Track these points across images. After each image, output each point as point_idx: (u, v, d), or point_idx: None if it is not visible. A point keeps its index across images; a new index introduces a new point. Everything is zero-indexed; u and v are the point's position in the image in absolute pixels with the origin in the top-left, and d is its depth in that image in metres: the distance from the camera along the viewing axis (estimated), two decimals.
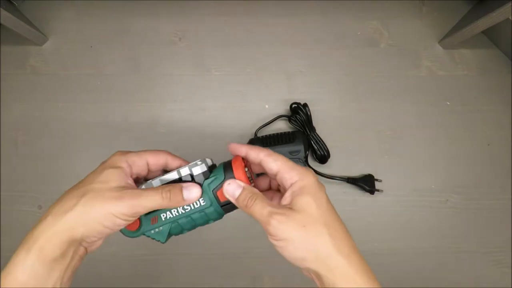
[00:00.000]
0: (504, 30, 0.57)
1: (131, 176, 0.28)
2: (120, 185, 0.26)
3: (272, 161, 0.27)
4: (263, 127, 0.55)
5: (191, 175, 0.28)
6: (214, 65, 0.60)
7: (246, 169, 0.29)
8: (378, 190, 0.53)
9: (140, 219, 0.29)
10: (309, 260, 0.24)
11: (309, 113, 0.53)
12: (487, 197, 0.55)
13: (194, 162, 0.29)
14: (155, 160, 0.29)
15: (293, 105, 0.55)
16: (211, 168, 0.30)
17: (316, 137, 0.53)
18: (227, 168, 0.28)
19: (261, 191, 0.29)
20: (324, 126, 0.55)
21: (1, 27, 0.57)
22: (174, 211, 0.28)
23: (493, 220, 0.54)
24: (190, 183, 0.28)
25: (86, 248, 0.27)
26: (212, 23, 0.62)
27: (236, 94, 0.58)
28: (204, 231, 0.53)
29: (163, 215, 0.29)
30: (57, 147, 0.55)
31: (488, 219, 0.54)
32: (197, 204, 0.28)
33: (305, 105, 0.54)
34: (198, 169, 0.28)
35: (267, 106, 0.58)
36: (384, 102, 0.58)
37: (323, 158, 0.53)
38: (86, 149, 0.55)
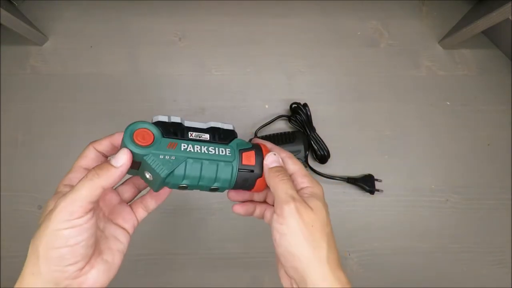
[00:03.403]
0: (504, 30, 0.57)
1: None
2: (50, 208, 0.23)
3: (291, 163, 0.29)
4: (263, 127, 0.55)
5: (221, 129, 0.29)
6: (214, 65, 0.60)
7: None
8: (378, 190, 0.53)
9: (154, 136, 0.25)
10: (300, 259, 0.24)
11: (309, 113, 0.53)
12: (487, 197, 0.55)
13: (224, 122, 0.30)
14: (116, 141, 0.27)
15: (293, 105, 0.55)
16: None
17: (316, 137, 0.53)
18: (256, 145, 0.30)
19: (258, 200, 0.32)
20: (324, 126, 0.55)
21: (1, 27, 0.57)
22: (197, 146, 0.26)
23: (493, 220, 0.54)
24: (119, 152, 0.24)
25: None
26: (212, 23, 0.62)
27: (236, 94, 0.58)
28: (204, 231, 0.53)
29: (184, 145, 0.26)
30: (57, 147, 0.55)
31: (488, 219, 0.54)
32: (222, 152, 0.27)
33: (305, 105, 0.54)
34: (230, 126, 0.30)
35: (267, 106, 0.58)
36: (384, 102, 0.58)
37: (323, 158, 0.53)
38: None
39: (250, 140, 0.54)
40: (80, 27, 0.61)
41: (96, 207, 0.24)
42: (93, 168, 0.23)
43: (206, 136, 0.28)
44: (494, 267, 0.53)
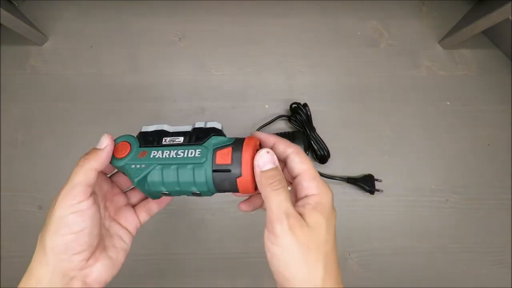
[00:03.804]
0: (504, 30, 0.57)
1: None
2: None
3: (298, 162, 0.25)
4: (263, 127, 0.55)
5: (204, 128, 0.27)
6: (214, 65, 0.60)
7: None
8: (378, 190, 0.53)
9: (131, 147, 0.27)
10: (291, 282, 0.22)
11: (309, 113, 0.53)
12: (487, 197, 0.55)
13: (212, 120, 0.28)
14: None
15: (293, 105, 0.55)
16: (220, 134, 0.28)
17: (316, 137, 0.53)
18: (239, 140, 0.26)
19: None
20: (324, 126, 0.55)
21: (1, 27, 0.57)
22: (166, 152, 0.26)
23: (493, 220, 0.54)
24: (101, 137, 0.27)
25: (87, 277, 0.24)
26: (212, 23, 0.62)
27: (236, 94, 0.58)
28: (204, 231, 0.53)
29: (154, 152, 0.26)
30: (57, 147, 0.55)
31: (488, 219, 0.54)
32: (191, 154, 0.25)
33: (305, 105, 0.54)
34: (214, 124, 0.27)
35: (267, 106, 0.58)
36: (384, 102, 0.58)
37: (323, 158, 0.53)
38: (86, 150, 0.55)
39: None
40: (80, 27, 0.61)
41: (98, 197, 0.26)
42: (82, 156, 0.25)
43: (180, 140, 0.27)
44: (494, 267, 0.53)
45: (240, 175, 0.24)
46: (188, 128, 0.28)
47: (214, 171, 0.25)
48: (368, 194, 0.53)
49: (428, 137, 0.57)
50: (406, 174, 0.55)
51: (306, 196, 0.24)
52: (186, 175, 0.25)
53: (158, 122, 0.28)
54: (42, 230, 0.23)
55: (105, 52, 0.60)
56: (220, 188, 0.26)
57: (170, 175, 0.25)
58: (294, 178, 0.25)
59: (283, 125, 0.57)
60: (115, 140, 0.27)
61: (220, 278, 0.51)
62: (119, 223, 0.28)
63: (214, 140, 0.26)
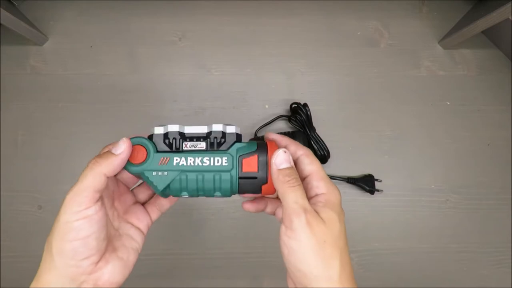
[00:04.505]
0: (504, 30, 0.57)
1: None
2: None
3: (308, 163, 0.26)
4: (263, 127, 0.55)
5: (223, 132, 0.26)
6: (214, 65, 0.60)
7: None
8: (378, 190, 0.53)
9: (148, 152, 0.26)
10: (310, 278, 0.22)
11: (309, 113, 0.53)
12: (487, 197, 0.55)
13: (228, 123, 0.27)
14: None
15: (293, 105, 0.55)
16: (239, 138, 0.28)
17: (316, 137, 0.53)
18: (261, 145, 0.26)
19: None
20: (324, 126, 0.55)
21: (1, 27, 0.57)
22: (190, 159, 0.25)
23: (493, 220, 0.54)
24: (119, 140, 0.24)
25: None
26: (212, 23, 0.62)
27: (236, 94, 0.58)
28: (204, 231, 0.53)
29: (176, 159, 0.25)
30: (57, 147, 0.55)
31: (488, 219, 0.54)
32: (218, 162, 0.25)
33: (305, 105, 0.54)
34: (233, 129, 0.26)
35: (267, 106, 0.58)
36: (384, 102, 0.58)
37: (323, 158, 0.53)
38: (86, 149, 0.55)
39: (259, 138, 0.54)
40: (80, 27, 0.61)
41: (104, 199, 0.25)
42: (94, 157, 0.24)
43: (202, 145, 0.26)
44: (494, 267, 0.53)
45: (266, 182, 0.26)
46: (204, 129, 0.27)
47: (240, 178, 0.25)
48: (368, 194, 0.54)
49: (428, 137, 0.57)
50: (406, 174, 0.55)
51: (316, 195, 0.25)
52: (212, 182, 0.25)
53: (170, 122, 0.27)
54: (50, 234, 0.23)
55: (105, 52, 0.60)
56: (243, 192, 0.26)
57: (195, 182, 0.25)
58: (304, 179, 0.26)
59: (283, 125, 0.57)
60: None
61: (220, 278, 0.51)
62: (129, 223, 0.28)
63: (237, 146, 0.26)
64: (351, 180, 0.53)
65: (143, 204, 0.30)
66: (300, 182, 0.24)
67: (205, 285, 0.51)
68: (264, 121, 0.56)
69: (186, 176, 0.25)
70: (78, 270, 0.22)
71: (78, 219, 0.22)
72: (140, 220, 0.28)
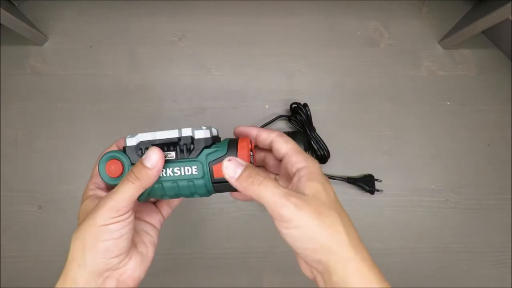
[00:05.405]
0: (504, 30, 0.57)
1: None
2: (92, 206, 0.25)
3: (283, 142, 0.26)
4: (263, 127, 0.55)
5: (192, 138, 0.26)
6: (214, 65, 0.60)
7: (251, 154, 0.27)
8: (378, 190, 0.53)
9: (123, 166, 0.27)
10: (321, 251, 0.22)
11: (309, 113, 0.53)
12: (487, 197, 0.55)
13: (199, 126, 0.27)
14: None
15: (293, 105, 0.55)
16: (214, 140, 0.27)
17: (316, 137, 0.53)
18: (232, 144, 0.26)
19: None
20: (324, 126, 0.55)
21: (1, 27, 0.57)
22: (162, 171, 0.26)
23: (493, 220, 0.54)
24: (148, 150, 0.25)
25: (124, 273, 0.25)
26: (212, 23, 0.62)
27: (236, 94, 0.58)
28: (204, 231, 0.53)
29: None
30: (57, 147, 0.55)
31: (488, 219, 0.54)
32: (188, 171, 0.26)
33: (305, 105, 0.54)
34: (201, 133, 0.26)
35: (267, 106, 0.58)
36: (384, 102, 0.58)
37: (323, 158, 0.53)
38: (86, 149, 0.55)
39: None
40: (80, 27, 0.61)
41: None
42: (132, 171, 0.25)
43: (172, 155, 0.26)
44: (494, 267, 0.53)
45: None
46: (175, 133, 0.27)
47: (214, 183, 0.26)
48: (368, 194, 0.54)
49: (428, 137, 0.57)
50: (406, 174, 0.55)
51: (297, 170, 0.25)
52: (187, 188, 0.26)
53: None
54: (80, 232, 0.24)
55: (105, 52, 0.60)
56: (221, 191, 0.27)
57: (171, 189, 0.26)
58: (281, 159, 0.27)
59: (283, 125, 0.57)
60: (103, 157, 0.27)
61: (220, 278, 0.51)
62: (143, 220, 0.30)
63: (206, 152, 0.26)
64: (351, 180, 0.53)
65: (154, 202, 0.32)
66: (263, 174, 0.24)
67: (205, 285, 0.51)
68: (264, 121, 0.56)
69: (162, 184, 0.26)
70: (106, 267, 0.24)
71: (113, 223, 0.24)
72: (152, 217, 0.30)
